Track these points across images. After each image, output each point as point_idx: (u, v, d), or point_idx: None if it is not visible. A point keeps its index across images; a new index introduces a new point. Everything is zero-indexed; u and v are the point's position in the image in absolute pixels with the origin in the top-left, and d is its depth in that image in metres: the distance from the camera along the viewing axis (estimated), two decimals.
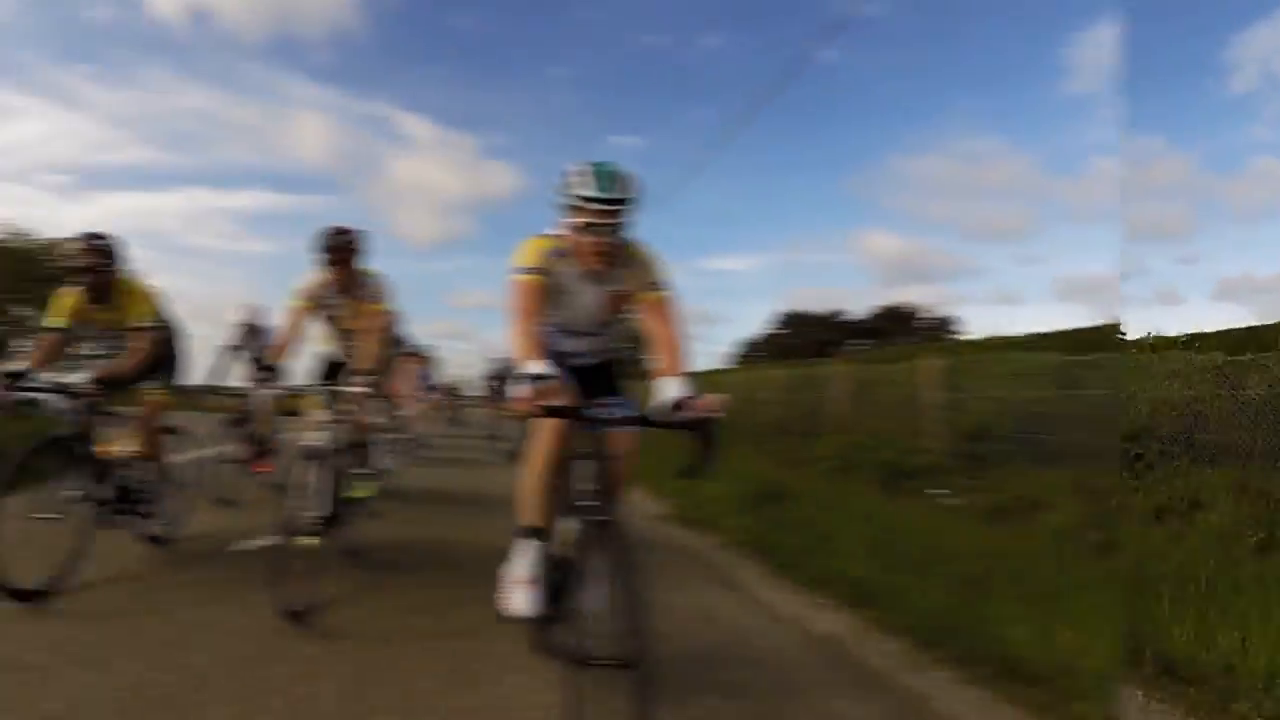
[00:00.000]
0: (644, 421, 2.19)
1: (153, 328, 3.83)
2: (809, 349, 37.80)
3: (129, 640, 2.76)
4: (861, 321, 42.72)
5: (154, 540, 4.04)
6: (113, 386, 3.63)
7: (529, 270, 2.41)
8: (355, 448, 4.03)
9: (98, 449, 3.82)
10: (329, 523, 3.34)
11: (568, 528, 2.35)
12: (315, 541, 3.17)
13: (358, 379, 3.61)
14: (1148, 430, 5.37)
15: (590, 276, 2.49)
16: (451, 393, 18.38)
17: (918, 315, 41.41)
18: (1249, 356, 5.24)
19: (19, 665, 2.47)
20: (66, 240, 3.62)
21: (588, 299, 2.57)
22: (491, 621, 2.73)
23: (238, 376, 6.81)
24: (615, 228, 2.30)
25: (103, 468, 3.63)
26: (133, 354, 3.75)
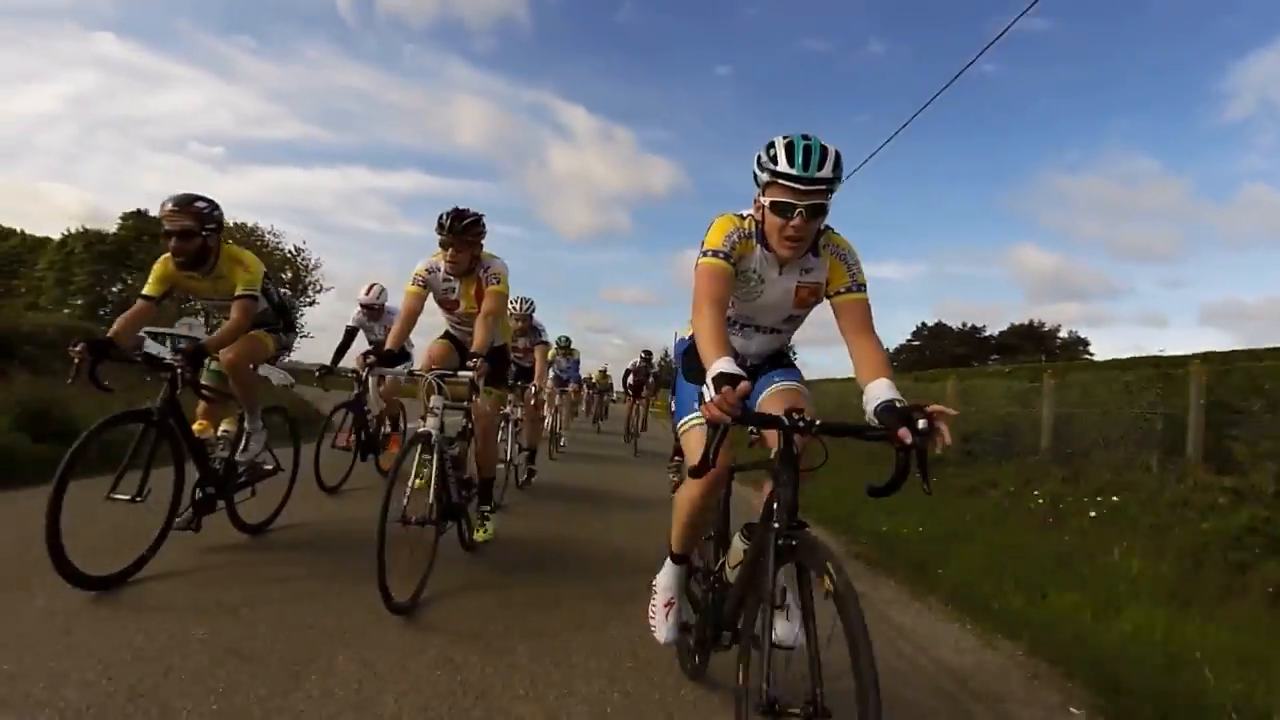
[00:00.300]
0: (853, 431, 1.81)
1: (252, 297, 3.57)
2: (945, 361, 40.40)
3: (193, 641, 2.40)
4: (997, 337, 45.80)
5: (245, 527, 3.79)
6: (198, 360, 3.38)
7: (719, 254, 2.10)
8: (471, 435, 3.93)
9: (195, 427, 3.64)
10: (443, 513, 3.24)
11: (738, 549, 2.16)
12: (426, 531, 3.05)
13: (473, 364, 3.38)
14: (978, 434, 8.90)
15: (781, 265, 2.19)
16: (595, 387, 18.07)
17: (1054, 334, 44.79)
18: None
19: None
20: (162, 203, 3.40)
21: (776, 291, 2.26)
22: (575, 629, 2.89)
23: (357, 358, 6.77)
24: (814, 211, 2.01)
25: (194, 447, 3.39)
26: (231, 326, 3.51)
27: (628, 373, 13.53)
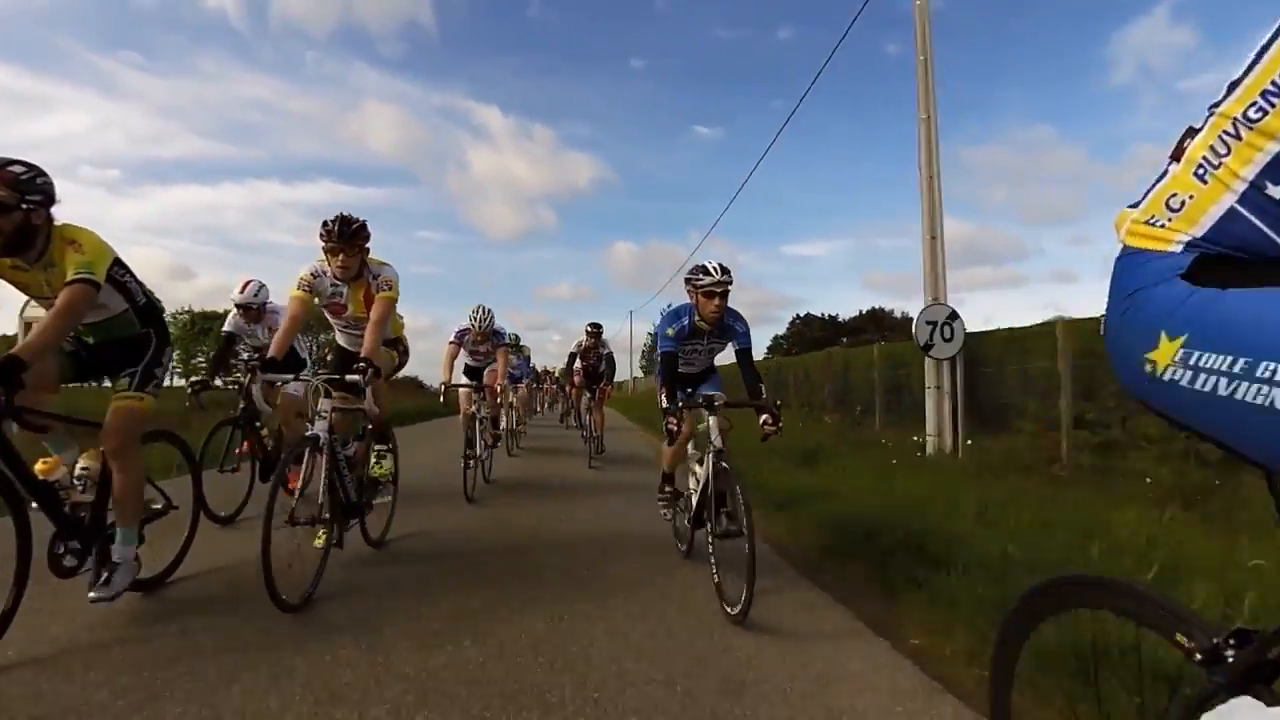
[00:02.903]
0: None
1: (88, 281, 2.58)
2: (809, 344, 49.69)
3: None
4: (849, 321, 57.74)
5: (134, 584, 2.81)
6: (8, 375, 2.28)
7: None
8: (370, 435, 3.92)
9: (38, 467, 2.63)
10: (337, 512, 3.25)
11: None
12: (318, 531, 3.09)
13: (360, 368, 3.27)
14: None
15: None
16: (559, 381, 17.88)
17: (891, 316, 55.20)
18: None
19: None
20: None
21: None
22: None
23: (237, 366, 5.53)
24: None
25: (38, 491, 2.46)
26: (52, 323, 2.49)
27: (573, 356, 9.70)
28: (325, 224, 3.54)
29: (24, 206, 2.45)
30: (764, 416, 3.33)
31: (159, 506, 3.11)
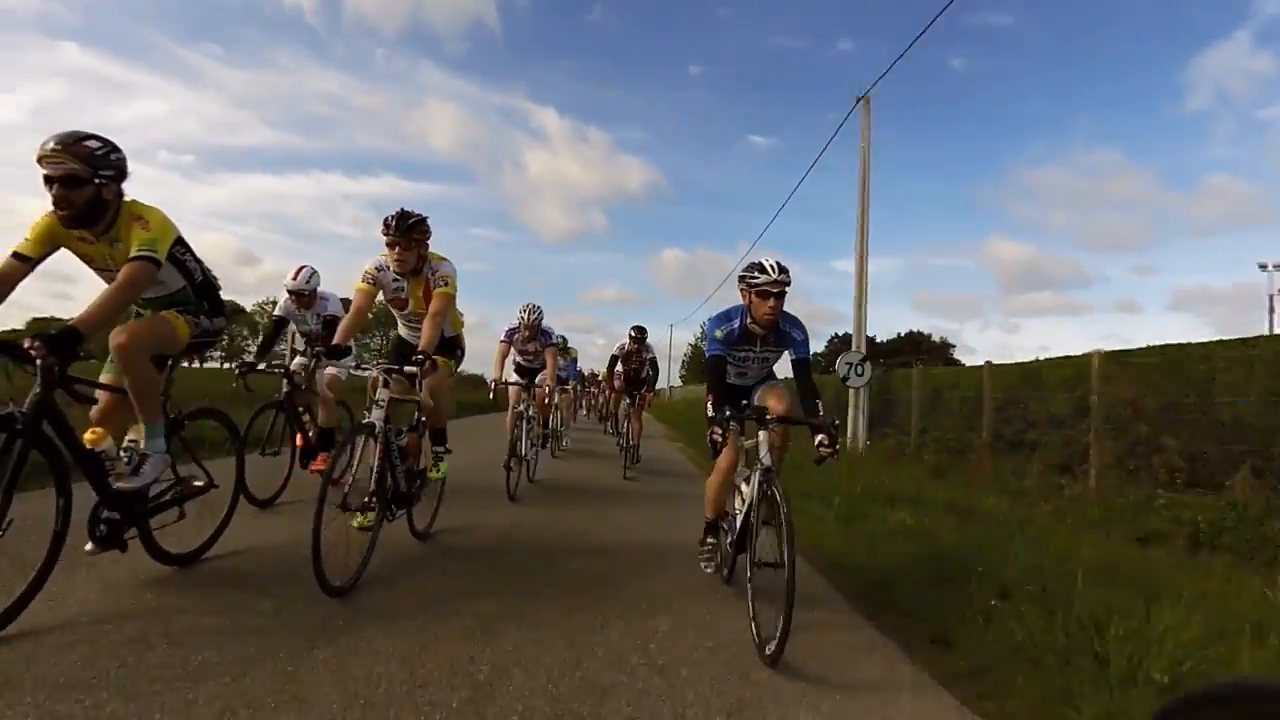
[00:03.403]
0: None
1: (149, 259, 2.60)
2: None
3: None
4: (885, 344, 55.09)
5: (168, 558, 2.85)
6: (67, 346, 2.32)
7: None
8: (424, 429, 3.89)
9: (88, 437, 2.66)
10: (388, 501, 3.28)
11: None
12: (366, 519, 3.07)
13: (417, 360, 3.30)
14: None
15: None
16: (602, 386, 17.99)
17: (929, 340, 54.69)
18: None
19: None
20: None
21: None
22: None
23: (286, 352, 5.59)
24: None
25: (85, 460, 2.50)
26: (112, 296, 2.52)
27: (614, 359, 8.83)
28: (386, 218, 3.57)
29: (97, 181, 2.49)
30: (819, 437, 2.94)
31: (200, 484, 3.11)
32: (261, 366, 4.67)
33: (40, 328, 2.63)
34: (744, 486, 3.24)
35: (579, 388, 16.55)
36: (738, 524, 3.23)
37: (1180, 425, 6.58)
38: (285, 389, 4.66)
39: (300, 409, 4.81)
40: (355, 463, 3.17)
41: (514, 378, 6.83)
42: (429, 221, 3.66)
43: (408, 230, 3.54)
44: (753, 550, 2.87)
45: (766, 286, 3.14)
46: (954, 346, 55.13)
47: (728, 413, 3.00)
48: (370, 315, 4.11)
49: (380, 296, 3.92)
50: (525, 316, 6.60)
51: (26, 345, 2.23)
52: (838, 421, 3.08)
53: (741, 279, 3.25)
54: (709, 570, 3.51)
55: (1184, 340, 7.41)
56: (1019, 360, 10.79)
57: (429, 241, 3.73)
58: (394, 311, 4.12)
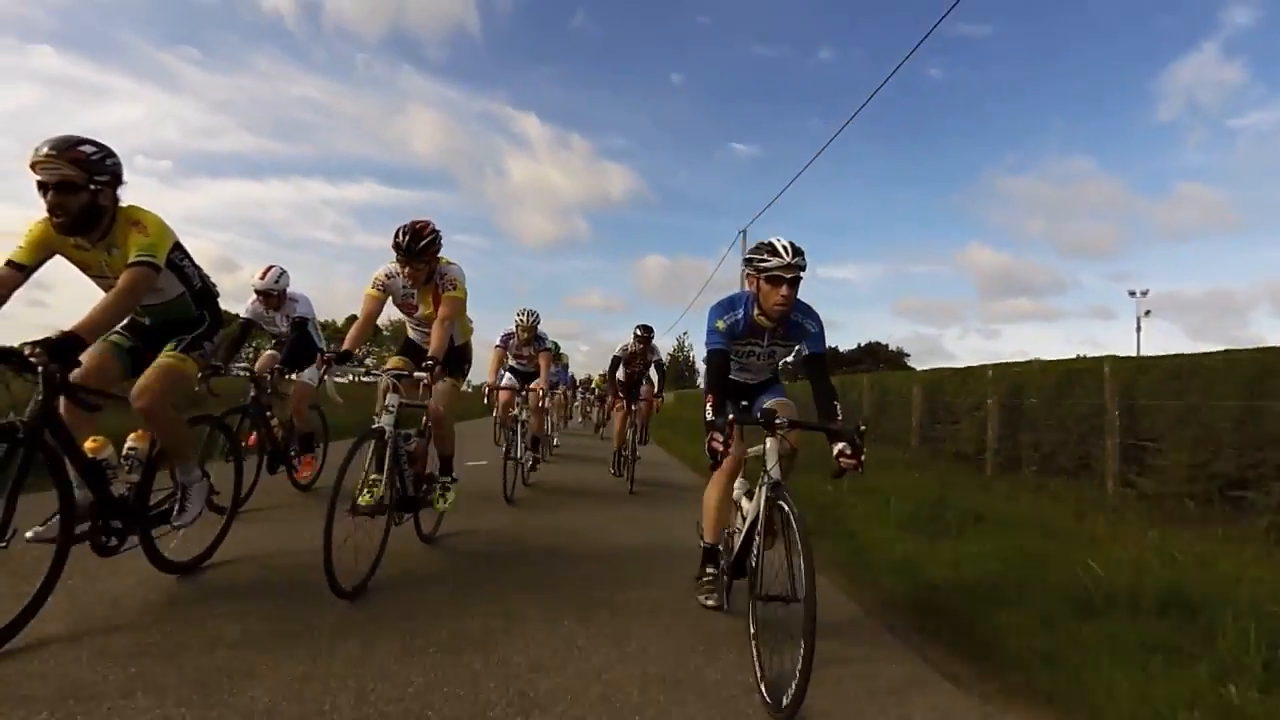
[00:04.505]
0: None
1: (149, 264, 2.55)
2: None
3: None
4: (847, 354, 56.12)
5: (169, 566, 2.81)
6: (69, 353, 2.29)
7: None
8: (429, 433, 3.79)
9: (88, 445, 2.61)
10: (398, 505, 3.26)
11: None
12: (376, 521, 3.03)
13: (427, 366, 3.30)
14: None
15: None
16: (594, 391, 17.76)
17: (886, 348, 56.48)
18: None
19: None
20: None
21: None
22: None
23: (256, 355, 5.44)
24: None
25: (86, 468, 2.47)
26: (113, 302, 2.47)
27: (616, 362, 7.52)
28: (397, 234, 3.44)
29: (92, 187, 2.44)
30: (839, 445, 2.39)
31: None
32: (230, 369, 4.43)
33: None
34: (745, 503, 2.84)
35: (570, 393, 16.56)
36: (735, 543, 2.81)
37: (1031, 425, 8.33)
38: (251, 393, 4.50)
39: (268, 412, 4.63)
40: (365, 467, 3.11)
41: (509, 380, 6.76)
42: (440, 236, 3.55)
43: (420, 251, 3.44)
44: (757, 580, 2.36)
45: (778, 271, 2.61)
46: (909, 355, 58.05)
47: (730, 415, 2.48)
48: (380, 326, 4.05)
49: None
50: (525, 318, 6.57)
51: (27, 352, 2.18)
52: (864, 426, 2.48)
53: (748, 262, 2.73)
54: (710, 604, 2.94)
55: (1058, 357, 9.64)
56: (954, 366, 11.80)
57: (439, 253, 3.63)
58: (404, 316, 4.04)
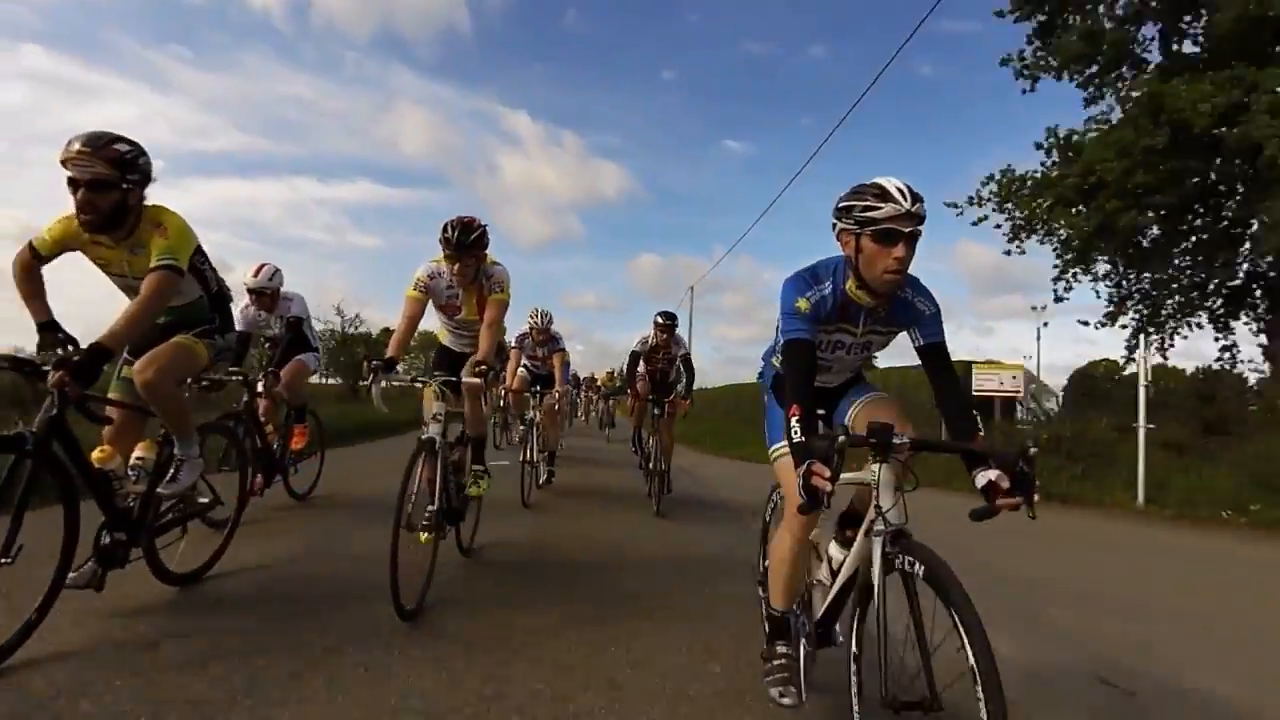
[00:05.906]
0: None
1: (172, 268, 2.51)
2: None
3: None
4: None
5: (172, 578, 2.78)
6: (92, 368, 2.25)
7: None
8: (471, 442, 3.67)
9: (96, 455, 2.60)
10: (445, 517, 3.11)
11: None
12: (429, 537, 2.92)
13: (480, 370, 3.16)
14: None
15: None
16: (601, 390, 17.70)
17: None
18: None
19: None
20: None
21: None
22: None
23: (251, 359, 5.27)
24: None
25: (93, 481, 2.43)
26: (139, 309, 2.43)
27: (635, 357, 6.48)
28: (445, 229, 3.32)
29: (124, 185, 2.41)
30: (989, 474, 1.62)
31: (206, 501, 3.05)
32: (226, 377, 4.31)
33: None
34: (834, 551, 2.17)
35: (574, 391, 16.65)
36: (820, 604, 2.05)
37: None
38: (245, 399, 4.22)
39: (263, 418, 4.46)
40: (419, 481, 2.92)
41: (524, 375, 6.68)
42: (486, 229, 3.40)
43: (470, 245, 3.33)
44: (882, 677, 1.52)
45: (893, 223, 1.76)
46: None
47: (838, 435, 1.57)
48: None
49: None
50: (537, 321, 6.45)
51: (51, 381, 2.13)
52: (1034, 449, 1.59)
53: (843, 213, 1.86)
54: (786, 703, 1.98)
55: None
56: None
57: (485, 249, 3.48)
58: (442, 319, 3.89)
